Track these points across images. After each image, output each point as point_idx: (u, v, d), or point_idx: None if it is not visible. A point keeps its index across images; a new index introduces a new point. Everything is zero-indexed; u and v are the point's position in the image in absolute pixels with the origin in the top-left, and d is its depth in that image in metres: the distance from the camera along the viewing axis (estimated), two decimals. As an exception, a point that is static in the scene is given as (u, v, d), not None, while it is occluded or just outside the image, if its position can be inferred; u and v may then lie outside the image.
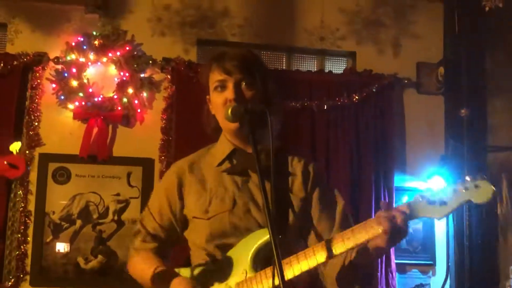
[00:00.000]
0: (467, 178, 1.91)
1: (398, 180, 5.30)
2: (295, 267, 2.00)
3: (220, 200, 2.22)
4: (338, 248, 1.97)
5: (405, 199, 5.29)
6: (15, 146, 2.25)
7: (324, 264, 2.09)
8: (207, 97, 2.33)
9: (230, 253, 2.17)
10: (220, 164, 2.30)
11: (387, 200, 5.13)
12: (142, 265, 2.30)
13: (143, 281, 2.31)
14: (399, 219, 1.90)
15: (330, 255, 1.98)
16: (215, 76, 2.24)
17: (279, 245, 1.80)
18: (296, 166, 2.32)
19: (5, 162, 2.07)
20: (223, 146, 2.33)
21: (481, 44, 5.36)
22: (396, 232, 1.91)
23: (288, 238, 2.06)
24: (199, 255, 2.26)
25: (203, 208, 2.23)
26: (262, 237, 2.10)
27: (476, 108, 5.21)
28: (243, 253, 2.12)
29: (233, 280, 2.12)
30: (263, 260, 2.09)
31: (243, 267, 2.10)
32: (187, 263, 2.32)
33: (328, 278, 2.20)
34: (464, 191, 1.89)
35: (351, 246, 1.97)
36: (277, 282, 1.80)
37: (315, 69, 5.57)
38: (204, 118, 2.39)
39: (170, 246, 2.42)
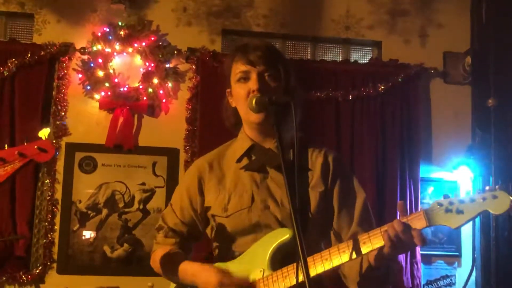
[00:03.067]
0: (487, 188, 1.90)
1: (424, 171, 5.26)
2: (311, 269, 1.98)
3: (239, 197, 2.22)
4: (355, 252, 1.99)
5: (430, 190, 5.26)
6: (44, 132, 2.29)
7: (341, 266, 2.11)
8: (227, 90, 2.33)
9: (248, 251, 2.17)
10: (239, 160, 2.30)
11: (412, 192, 5.11)
12: (164, 259, 2.31)
13: (164, 274, 2.35)
14: (402, 235, 1.91)
15: (348, 258, 1.99)
16: (238, 67, 2.23)
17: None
18: (316, 159, 2.29)
19: (35, 147, 2.10)
20: (241, 142, 2.33)
21: (508, 33, 5.29)
22: (400, 245, 1.93)
23: (308, 235, 2.05)
24: (221, 250, 2.28)
25: (222, 206, 2.23)
26: (281, 236, 2.10)
27: (504, 97, 5.15)
28: (261, 251, 2.12)
29: (250, 278, 2.12)
30: (281, 259, 2.09)
31: (260, 266, 2.10)
32: (209, 260, 2.33)
33: (349, 279, 2.20)
34: (482, 201, 1.88)
35: (367, 251, 1.98)
36: (300, 278, 1.79)
37: (340, 59, 5.54)
38: (223, 112, 2.40)
39: (192, 241, 2.44)
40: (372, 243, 1.96)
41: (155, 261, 2.37)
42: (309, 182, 2.23)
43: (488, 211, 1.88)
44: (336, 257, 2.00)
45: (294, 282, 1.99)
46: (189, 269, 2.24)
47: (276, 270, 2.08)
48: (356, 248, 1.98)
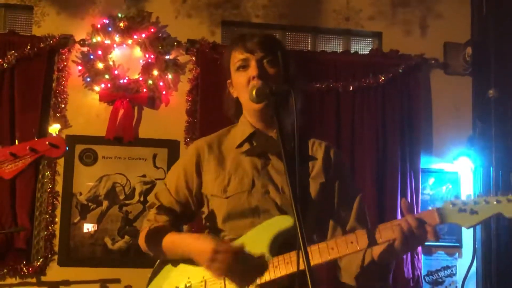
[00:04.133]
0: (500, 192, 1.93)
1: (424, 162, 5.25)
2: (315, 256, 1.99)
3: (239, 180, 2.22)
4: (362, 243, 1.98)
5: (431, 180, 5.26)
6: (55, 129, 2.29)
7: (340, 258, 2.12)
8: (228, 81, 2.35)
9: (248, 234, 2.15)
10: (240, 145, 2.30)
11: (413, 183, 5.10)
12: (154, 234, 2.31)
13: (154, 250, 2.33)
14: (416, 230, 1.92)
15: (353, 250, 1.99)
16: (237, 56, 2.25)
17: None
18: (317, 150, 2.31)
19: (47, 142, 2.10)
20: (243, 128, 2.33)
21: (509, 24, 5.27)
22: (413, 240, 1.93)
23: (306, 224, 2.04)
24: (214, 234, 2.25)
25: (221, 187, 2.23)
26: (284, 223, 2.09)
27: (504, 89, 5.14)
28: (261, 237, 2.11)
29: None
30: (280, 246, 2.09)
31: (260, 250, 2.08)
32: None
33: (345, 272, 2.21)
34: (495, 203, 1.91)
35: (378, 242, 1.98)
36: (301, 267, 1.79)
37: (341, 50, 5.53)
38: (224, 103, 2.41)
39: (184, 221, 2.43)
40: (382, 235, 1.96)
41: (144, 238, 2.35)
42: (309, 172, 2.24)
43: (502, 214, 1.91)
44: (342, 247, 1.99)
45: (296, 269, 1.99)
46: (178, 239, 2.23)
47: (276, 256, 2.07)
48: (367, 239, 1.98)
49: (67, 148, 2.18)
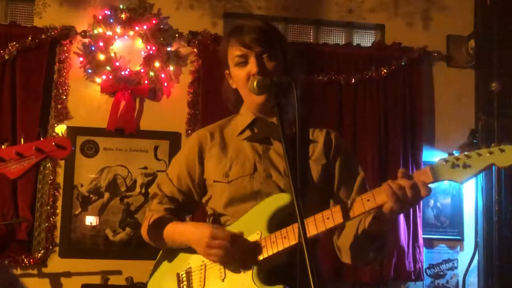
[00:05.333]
0: (493, 144, 1.91)
1: (427, 155, 5.24)
2: (311, 228, 1.99)
3: (241, 165, 2.22)
4: (357, 209, 1.97)
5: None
6: (61, 128, 2.28)
7: (338, 232, 2.14)
8: (226, 71, 2.34)
9: (245, 216, 2.16)
10: (242, 132, 2.31)
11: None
12: (156, 224, 2.31)
13: (155, 239, 2.34)
14: (409, 192, 1.89)
15: (347, 217, 1.98)
16: (235, 51, 2.24)
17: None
18: (317, 135, 2.32)
19: (53, 143, 2.07)
20: (244, 117, 2.34)
21: (512, 16, 5.26)
22: (405, 199, 1.90)
23: (306, 205, 2.00)
24: (216, 221, 2.26)
25: (223, 172, 2.23)
26: (280, 201, 2.10)
27: (507, 82, 5.12)
28: (259, 215, 2.12)
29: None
30: (278, 224, 2.09)
31: (258, 229, 2.10)
32: None
33: (342, 249, 2.20)
34: (488, 154, 1.89)
35: (371, 207, 1.95)
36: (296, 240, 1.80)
37: (343, 42, 5.51)
38: (224, 93, 2.41)
39: (187, 211, 2.44)
40: (377, 200, 1.94)
41: (146, 228, 2.36)
42: (309, 155, 2.24)
43: (495, 164, 1.89)
44: (337, 216, 1.99)
45: (293, 242, 2.00)
46: (177, 228, 2.24)
47: (273, 232, 2.07)
48: (359, 205, 1.96)
49: (73, 148, 2.16)
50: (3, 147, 2.13)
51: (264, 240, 2.07)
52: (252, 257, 2.07)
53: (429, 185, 1.92)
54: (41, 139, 2.17)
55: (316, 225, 2.00)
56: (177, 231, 2.24)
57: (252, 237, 2.10)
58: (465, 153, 1.92)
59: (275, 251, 2.05)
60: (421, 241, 5.07)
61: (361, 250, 2.12)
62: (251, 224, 2.12)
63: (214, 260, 2.10)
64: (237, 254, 2.06)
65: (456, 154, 1.94)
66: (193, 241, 2.15)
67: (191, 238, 2.16)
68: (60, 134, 2.24)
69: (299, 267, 1.79)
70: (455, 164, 1.91)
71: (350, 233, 2.13)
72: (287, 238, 2.03)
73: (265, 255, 2.06)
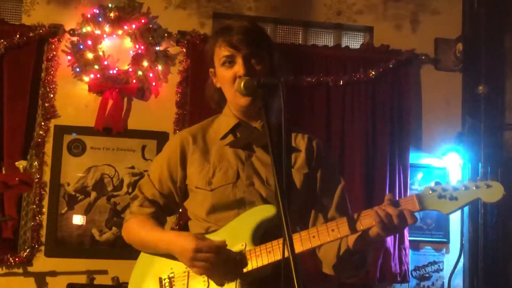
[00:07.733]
0: (478, 178, 1.94)
1: (414, 157, 5.26)
2: (297, 245, 1.99)
3: (224, 173, 2.20)
4: (343, 231, 2.00)
5: (419, 176, 5.27)
6: (21, 163, 2.26)
7: (318, 247, 2.15)
8: (211, 70, 2.32)
9: (229, 225, 2.15)
10: (224, 137, 2.29)
11: (401, 178, 5.11)
12: (137, 228, 2.30)
13: (136, 243, 2.34)
14: (395, 220, 1.93)
15: (334, 237, 2.00)
16: (222, 52, 2.21)
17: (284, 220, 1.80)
18: (299, 142, 2.30)
19: (17, 179, 2.06)
20: (227, 119, 2.31)
21: (500, 20, 5.29)
22: (391, 226, 1.94)
23: (290, 215, 2.04)
24: (198, 226, 2.25)
25: (206, 180, 2.21)
26: (266, 212, 2.09)
27: (494, 85, 5.15)
28: (244, 226, 2.11)
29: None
30: (262, 236, 2.09)
31: (242, 240, 2.09)
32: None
33: (324, 263, 2.22)
34: (475, 188, 1.92)
35: (360, 229, 1.99)
36: (286, 254, 1.78)
37: (332, 44, 5.52)
38: (207, 91, 2.39)
39: (168, 213, 2.42)
40: (363, 223, 1.97)
41: (127, 231, 2.35)
42: (292, 163, 2.24)
43: (481, 199, 1.91)
44: (324, 235, 2.00)
45: (278, 258, 2.00)
46: (160, 236, 2.22)
47: (258, 245, 2.07)
48: (347, 226, 1.99)
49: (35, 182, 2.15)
50: None
51: (249, 252, 2.07)
52: (236, 269, 2.07)
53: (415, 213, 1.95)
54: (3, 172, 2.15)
55: (302, 242, 2.01)
56: (160, 239, 2.21)
57: (237, 248, 2.09)
58: (453, 185, 1.94)
59: (259, 264, 2.04)
60: (407, 243, 5.09)
61: (343, 267, 2.15)
62: (235, 234, 2.11)
63: (198, 272, 2.09)
64: (221, 266, 2.05)
65: (442, 184, 1.96)
66: (176, 252, 2.13)
67: (174, 249, 2.14)
68: (21, 170, 2.22)
69: (284, 279, 1.78)
70: (442, 195, 1.94)
71: (330, 249, 2.15)
72: (272, 253, 2.03)
73: (249, 268, 2.05)
